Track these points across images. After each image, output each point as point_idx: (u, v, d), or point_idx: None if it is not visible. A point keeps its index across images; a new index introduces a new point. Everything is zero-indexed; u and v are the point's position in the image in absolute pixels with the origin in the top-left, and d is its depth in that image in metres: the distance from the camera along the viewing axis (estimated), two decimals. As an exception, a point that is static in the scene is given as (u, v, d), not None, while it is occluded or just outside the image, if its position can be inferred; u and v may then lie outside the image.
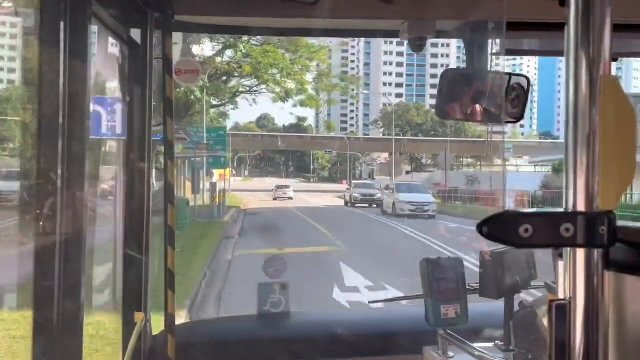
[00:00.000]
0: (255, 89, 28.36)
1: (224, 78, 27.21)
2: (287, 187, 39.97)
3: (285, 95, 26.69)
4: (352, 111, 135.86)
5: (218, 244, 14.07)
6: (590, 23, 0.64)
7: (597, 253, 0.66)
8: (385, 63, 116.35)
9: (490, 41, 1.66)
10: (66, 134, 1.27)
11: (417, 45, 1.71)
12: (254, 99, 28.97)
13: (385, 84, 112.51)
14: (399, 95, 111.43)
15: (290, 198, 37.31)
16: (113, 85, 1.90)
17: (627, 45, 1.78)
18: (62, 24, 1.25)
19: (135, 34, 1.73)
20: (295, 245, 13.76)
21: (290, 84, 26.15)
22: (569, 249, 0.67)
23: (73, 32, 1.27)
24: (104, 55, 1.95)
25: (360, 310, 2.71)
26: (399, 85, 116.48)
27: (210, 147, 22.37)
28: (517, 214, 0.64)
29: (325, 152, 72.61)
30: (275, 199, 37.23)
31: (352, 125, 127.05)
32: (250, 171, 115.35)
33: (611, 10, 0.64)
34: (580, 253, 0.66)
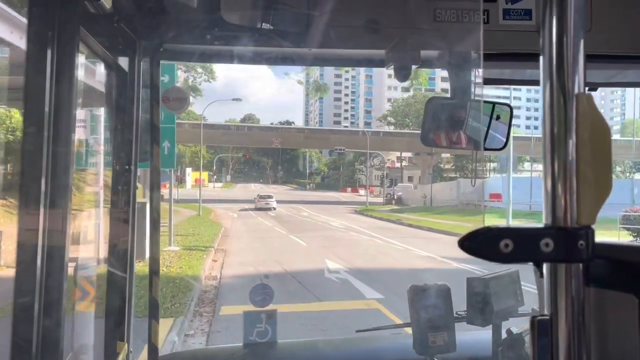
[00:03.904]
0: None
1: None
2: (269, 197, 43.50)
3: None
4: (346, 110, 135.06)
5: None
6: (564, 53, 0.74)
7: (577, 268, 0.74)
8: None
9: (473, 71, 1.96)
10: (50, 161, 1.45)
11: (402, 74, 1.99)
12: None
13: (390, 76, 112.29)
14: (405, 90, 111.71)
15: (274, 208, 40.54)
16: (100, 113, 2.17)
17: (603, 76, 2.09)
18: (49, 51, 1.43)
19: (123, 61, 1.99)
20: None
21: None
22: (549, 264, 0.75)
23: (60, 59, 1.45)
24: (92, 82, 2.20)
25: (348, 339, 2.96)
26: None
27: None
28: (499, 229, 0.73)
29: (336, 150, 65.39)
30: (257, 208, 40.20)
31: (346, 126, 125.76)
32: (233, 176, 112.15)
33: (584, 41, 0.75)
34: (561, 268, 0.74)
